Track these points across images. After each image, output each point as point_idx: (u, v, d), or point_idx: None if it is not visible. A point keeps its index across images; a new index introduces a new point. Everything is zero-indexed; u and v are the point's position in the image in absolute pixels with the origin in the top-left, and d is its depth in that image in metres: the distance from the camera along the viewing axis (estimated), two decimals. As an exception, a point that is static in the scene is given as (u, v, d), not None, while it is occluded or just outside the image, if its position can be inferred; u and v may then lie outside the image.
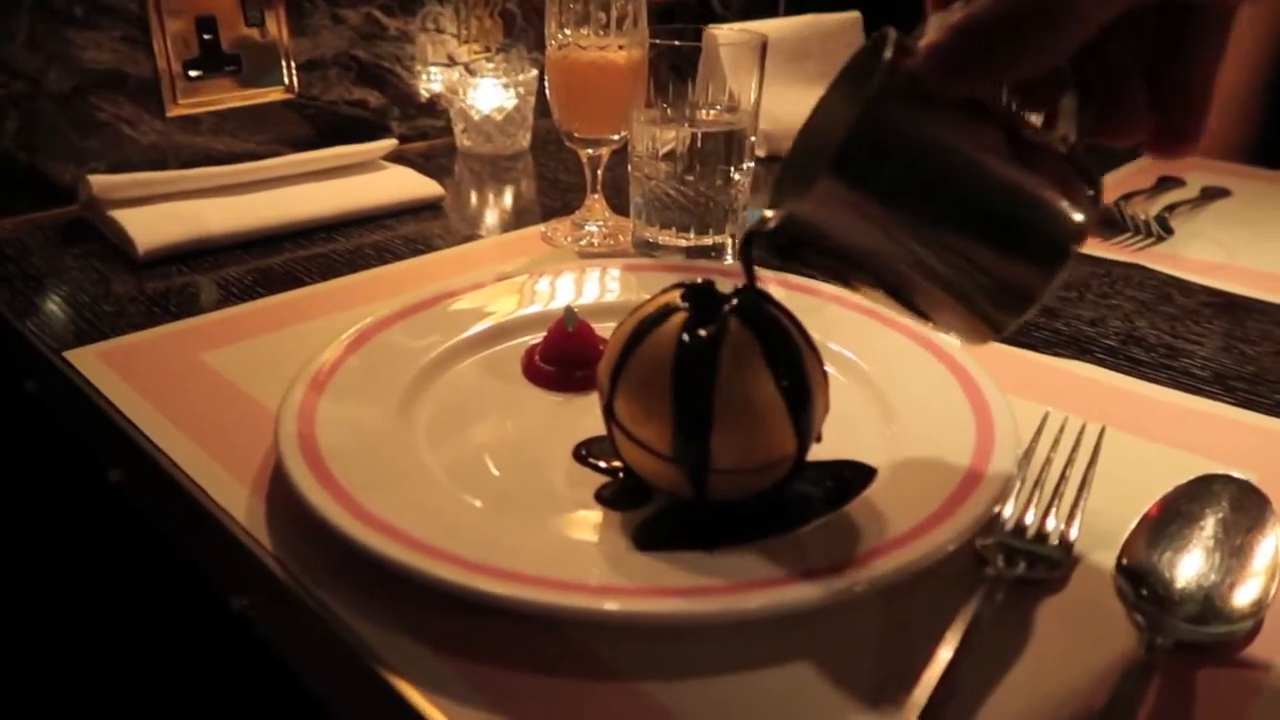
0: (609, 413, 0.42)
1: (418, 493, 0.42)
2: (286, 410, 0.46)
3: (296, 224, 0.77)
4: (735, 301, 0.41)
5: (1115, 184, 0.94)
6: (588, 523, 0.42)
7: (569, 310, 0.54)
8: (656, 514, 0.42)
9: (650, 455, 0.40)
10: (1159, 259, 0.75)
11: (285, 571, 0.40)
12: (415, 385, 0.51)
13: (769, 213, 0.37)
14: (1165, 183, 0.94)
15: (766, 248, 0.37)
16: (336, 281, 0.68)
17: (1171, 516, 0.40)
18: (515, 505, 0.43)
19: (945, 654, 0.34)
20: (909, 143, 0.32)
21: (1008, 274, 0.34)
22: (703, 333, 0.40)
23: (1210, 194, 0.91)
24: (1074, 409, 0.52)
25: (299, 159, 0.84)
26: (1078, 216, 0.34)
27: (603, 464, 0.46)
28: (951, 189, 0.33)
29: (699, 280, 0.43)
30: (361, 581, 0.38)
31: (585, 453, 0.47)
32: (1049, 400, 0.53)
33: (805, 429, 0.40)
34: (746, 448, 0.39)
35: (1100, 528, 0.42)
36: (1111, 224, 0.82)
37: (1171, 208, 0.86)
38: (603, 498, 0.44)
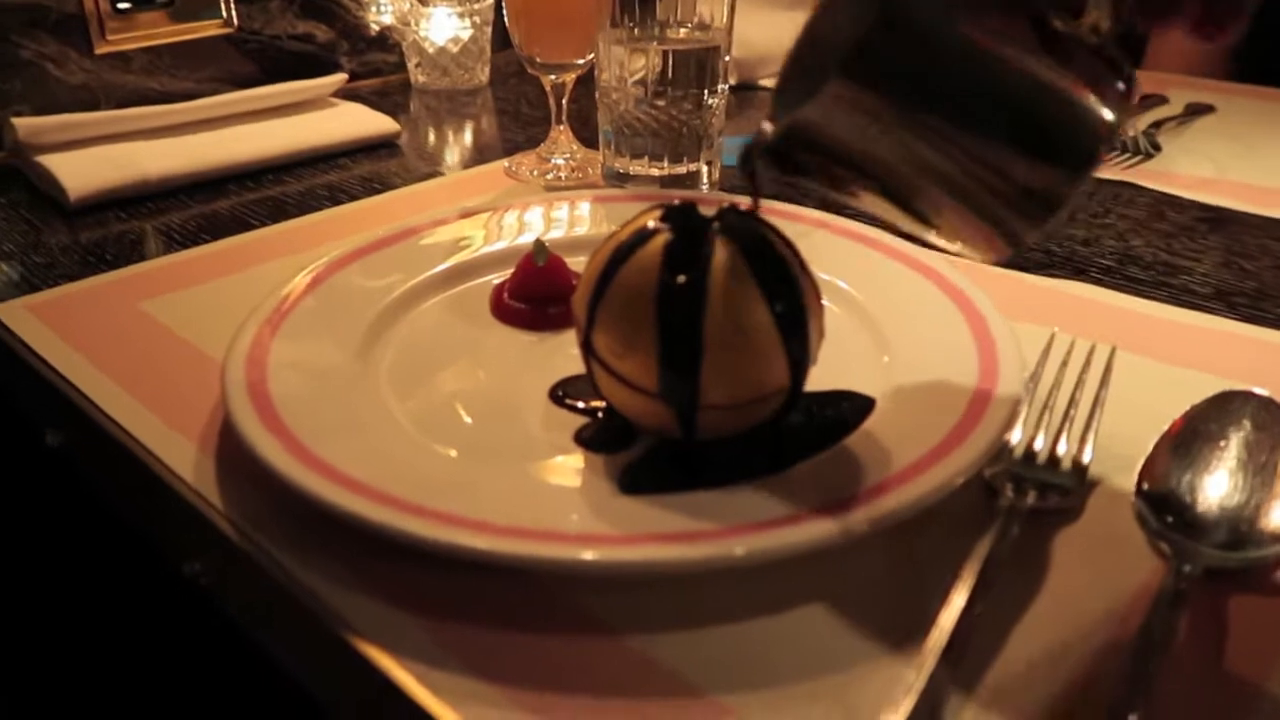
0: (587, 347, 0.38)
1: (381, 442, 0.39)
2: (234, 356, 0.42)
3: (242, 165, 0.72)
4: (721, 221, 0.38)
5: (1098, 103, 0.91)
6: (568, 468, 0.39)
7: (538, 243, 0.50)
8: (641, 455, 0.39)
9: (634, 392, 0.37)
10: (1149, 176, 0.72)
11: (239, 533, 0.36)
12: (376, 327, 0.47)
13: (768, 125, 0.34)
14: (1149, 100, 0.91)
15: (764, 157, 0.34)
16: (287, 224, 0.64)
17: (1191, 437, 0.38)
18: (488, 452, 0.40)
19: (961, 593, 0.32)
20: (928, 36, 0.29)
21: (1031, 178, 0.31)
22: (688, 255, 0.36)
23: (1195, 110, 0.88)
24: (1077, 330, 0.49)
25: (242, 96, 0.79)
26: (1108, 115, 0.31)
27: (581, 404, 0.43)
28: (973, 87, 0.30)
29: (675, 201, 0.39)
30: (322, 540, 0.35)
31: (562, 393, 0.44)
32: (1049, 322, 0.50)
33: (801, 358, 0.37)
34: (739, 380, 0.36)
35: (1115, 451, 0.39)
36: (1098, 142, 0.79)
37: (1158, 124, 0.83)
38: (583, 440, 0.40)
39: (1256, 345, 0.48)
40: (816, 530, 0.33)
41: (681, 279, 0.36)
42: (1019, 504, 0.36)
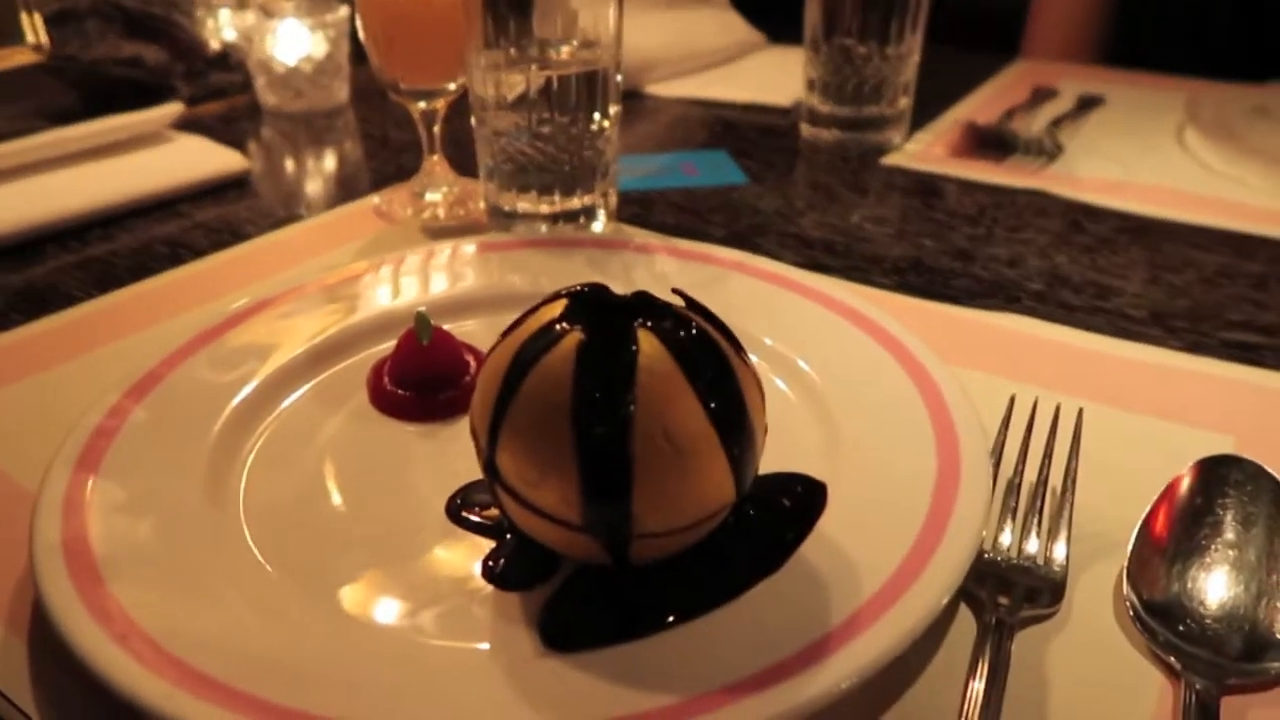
0: (491, 471, 0.31)
1: (240, 616, 0.31)
2: (45, 508, 0.34)
3: (61, 221, 0.62)
4: (642, 311, 0.31)
5: (992, 99, 0.88)
6: (476, 621, 0.32)
7: (420, 318, 0.43)
8: (565, 595, 0.32)
9: (552, 524, 0.31)
10: (1058, 181, 0.70)
11: (60, 751, 0.28)
12: (229, 439, 0.39)
13: None
14: (1040, 94, 0.89)
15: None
16: (119, 294, 0.55)
17: (1179, 525, 0.34)
18: (377, 609, 0.32)
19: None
20: None
21: None
22: (606, 358, 0.30)
23: (1087, 103, 0.87)
24: (1023, 375, 0.45)
25: (59, 136, 0.68)
26: None
27: (485, 521, 0.36)
28: None
29: (581, 287, 0.33)
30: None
31: (460, 503, 0.37)
32: (992, 366, 0.46)
33: (747, 468, 0.31)
34: (678, 503, 0.30)
35: (1093, 530, 0.35)
36: (1002, 144, 0.76)
37: (1057, 121, 0.81)
38: (493, 574, 0.34)
39: (1211, 383, 0.45)
40: (791, 695, 0.27)
41: (602, 389, 0.29)
42: (1007, 616, 0.31)
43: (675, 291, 0.33)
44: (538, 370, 0.30)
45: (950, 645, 0.32)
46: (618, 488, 0.29)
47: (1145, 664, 0.31)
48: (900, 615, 0.30)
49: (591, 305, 0.32)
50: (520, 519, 0.32)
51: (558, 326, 0.31)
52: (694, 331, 0.31)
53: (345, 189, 0.71)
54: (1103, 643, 0.32)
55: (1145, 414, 0.43)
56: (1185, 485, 0.35)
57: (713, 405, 0.30)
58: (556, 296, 0.32)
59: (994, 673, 0.30)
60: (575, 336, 0.30)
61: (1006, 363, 0.46)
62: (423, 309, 0.44)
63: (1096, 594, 0.33)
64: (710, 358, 0.31)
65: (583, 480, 0.29)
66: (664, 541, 0.31)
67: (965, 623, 0.32)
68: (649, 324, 0.30)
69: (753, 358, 0.39)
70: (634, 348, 0.30)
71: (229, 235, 0.62)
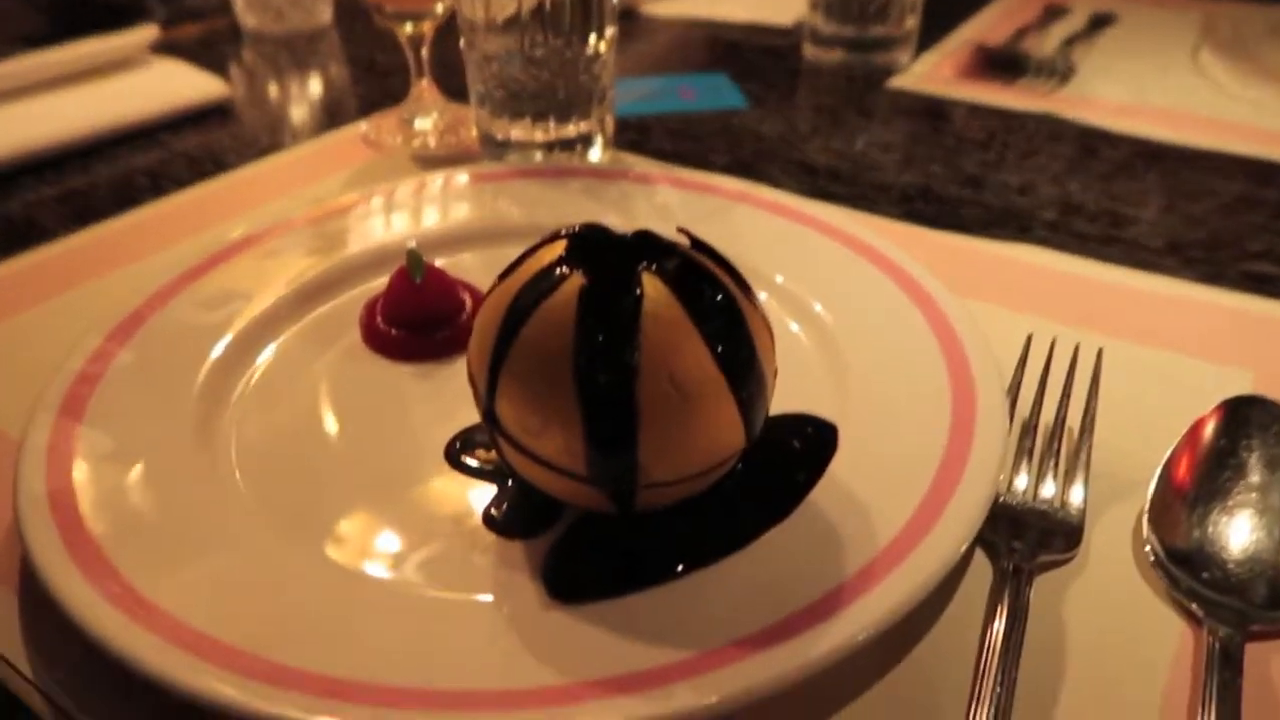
0: (491, 419, 0.30)
1: (234, 567, 0.30)
2: (29, 459, 0.32)
3: (35, 152, 0.59)
4: (646, 250, 0.30)
5: (1001, 18, 0.85)
6: (478, 571, 0.31)
7: (413, 255, 0.41)
8: (568, 544, 0.32)
9: (556, 474, 0.30)
10: (1070, 104, 0.67)
11: (55, 710, 0.28)
12: (217, 381, 0.38)
13: None
14: (1051, 12, 0.86)
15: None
16: (98, 229, 0.52)
17: (1202, 469, 0.33)
18: (376, 560, 0.31)
19: (987, 690, 0.26)
20: None
21: None
22: (609, 303, 0.28)
23: (1099, 21, 0.84)
24: (1036, 307, 0.44)
25: (30, 62, 0.65)
26: None
27: (485, 465, 0.35)
28: None
29: (579, 227, 0.31)
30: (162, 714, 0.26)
31: (460, 447, 0.36)
32: (1004, 300, 0.44)
33: (757, 414, 0.30)
34: (686, 451, 0.29)
35: (1111, 470, 0.34)
36: (1014, 65, 0.74)
37: (1069, 41, 0.78)
38: (494, 522, 0.33)
39: (1229, 315, 0.44)
40: (804, 650, 0.26)
41: (606, 337, 0.28)
42: (1023, 562, 0.31)
43: (680, 230, 0.31)
44: (538, 316, 0.29)
45: (965, 591, 0.31)
46: (623, 437, 0.28)
47: (1166, 610, 0.30)
48: (916, 566, 0.29)
49: (593, 247, 0.30)
50: (522, 467, 0.31)
51: (558, 270, 0.29)
52: (700, 273, 0.30)
53: (331, 115, 0.68)
54: (1122, 589, 0.31)
55: (1162, 348, 0.41)
56: (1209, 428, 0.33)
57: (720, 350, 0.29)
58: (555, 237, 0.31)
59: (1012, 620, 0.29)
60: (576, 281, 0.28)
61: (1019, 296, 0.45)
62: (414, 246, 0.42)
63: (1115, 538, 0.32)
64: (717, 300, 0.29)
65: (586, 430, 0.28)
66: (672, 490, 0.30)
67: (980, 568, 0.32)
68: (653, 267, 0.29)
69: (761, 295, 0.37)
70: (638, 292, 0.28)
71: (211, 165, 0.60)
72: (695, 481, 0.30)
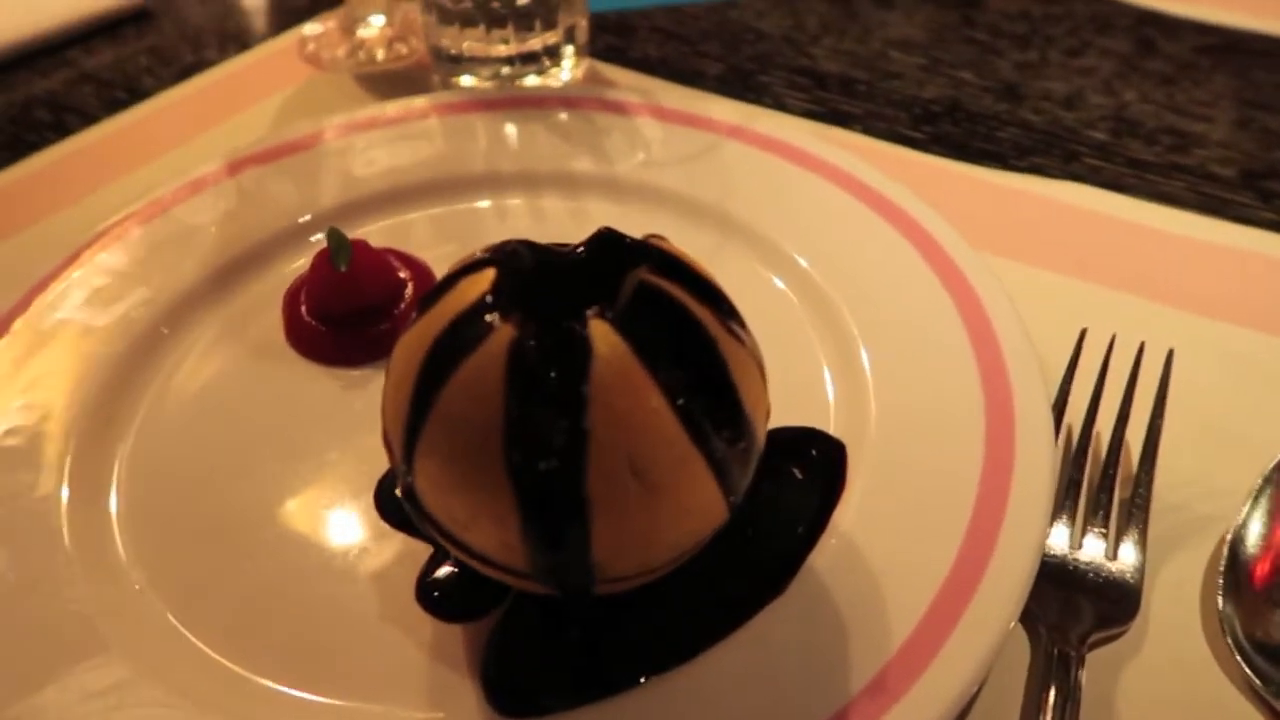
0: (410, 500, 0.24)
1: (119, 660, 0.25)
2: None
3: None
4: (592, 279, 0.23)
5: None
6: (406, 664, 0.26)
7: (334, 236, 0.34)
8: (513, 634, 0.26)
9: (492, 569, 0.24)
10: (1125, -18, 0.57)
11: None
12: (107, 401, 0.32)
13: None
14: None
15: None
16: (-12, 181, 0.45)
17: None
18: (272, 656, 0.26)
19: None
20: None
21: None
22: (549, 362, 0.22)
23: None
24: (1080, 272, 0.37)
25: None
26: None
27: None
28: None
29: (512, 248, 0.24)
30: None
31: (391, 490, 0.30)
32: (1039, 256, 0.37)
33: (740, 481, 0.24)
34: (650, 544, 0.23)
35: (1182, 510, 0.28)
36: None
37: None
38: (429, 601, 0.27)
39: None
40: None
41: (543, 409, 0.21)
42: (1075, 649, 0.25)
43: (650, 239, 0.24)
44: (459, 379, 0.22)
45: (998, 676, 0.25)
46: (571, 536, 0.22)
47: (1245, 704, 0.25)
48: (945, 672, 0.23)
49: (528, 278, 0.23)
50: (454, 553, 0.25)
51: (484, 316, 0.22)
52: (665, 310, 0.23)
53: (264, 21, 0.59)
54: (1189, 671, 0.25)
55: (1235, 323, 0.35)
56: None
57: (694, 415, 0.22)
58: (480, 262, 0.24)
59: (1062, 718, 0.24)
60: (506, 332, 0.22)
61: (1065, 254, 0.38)
62: (335, 226, 0.35)
63: (1179, 602, 0.27)
64: (690, 347, 0.23)
65: (524, 527, 0.22)
66: (636, 581, 0.24)
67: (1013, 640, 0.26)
68: (606, 312, 0.22)
69: (748, 264, 0.31)
70: (586, 347, 0.21)
71: (123, 91, 0.52)
72: (666, 568, 0.24)
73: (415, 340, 0.23)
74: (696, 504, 0.23)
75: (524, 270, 0.24)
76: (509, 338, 0.22)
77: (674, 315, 0.23)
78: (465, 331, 0.22)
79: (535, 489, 0.22)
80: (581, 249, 0.25)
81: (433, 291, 0.24)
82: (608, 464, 0.21)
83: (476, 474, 0.22)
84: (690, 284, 0.24)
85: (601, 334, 0.22)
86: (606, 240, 0.25)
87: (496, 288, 0.23)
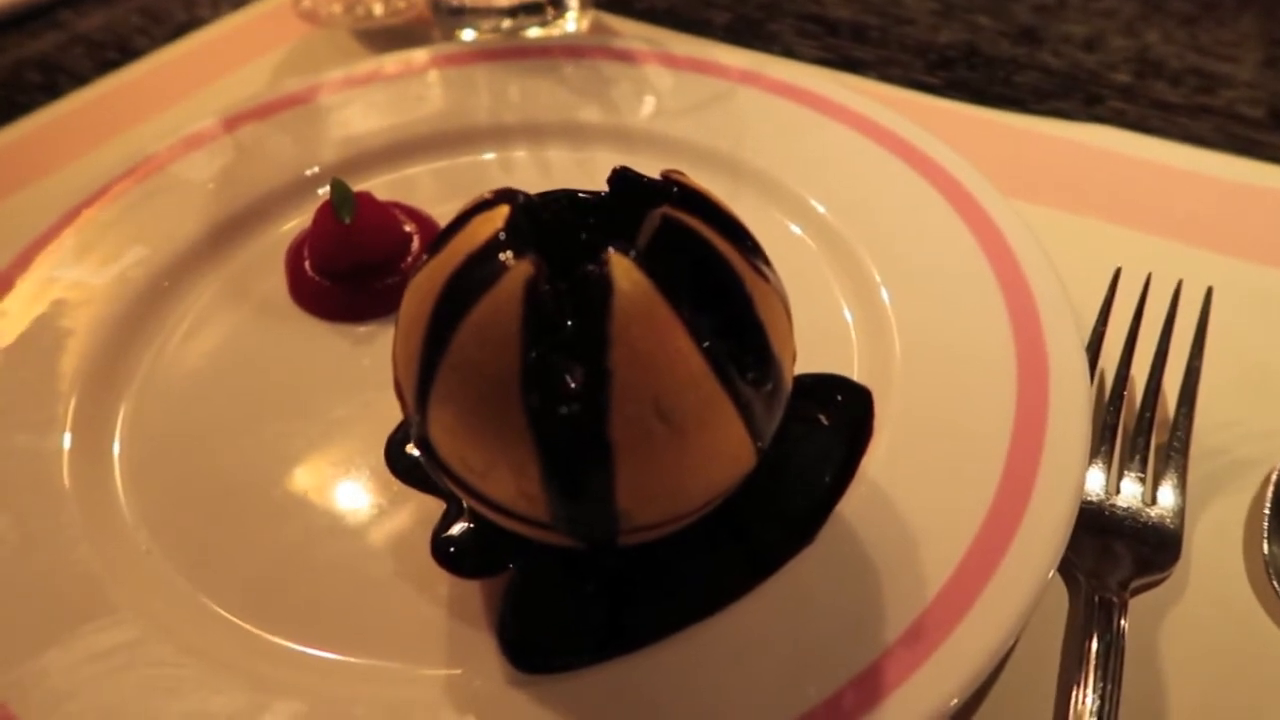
0: (425, 449, 0.23)
1: (114, 631, 0.24)
2: None
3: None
4: (613, 218, 0.22)
5: None
6: (424, 623, 0.25)
7: (338, 187, 0.33)
8: (531, 590, 0.25)
9: (510, 519, 0.23)
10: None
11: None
12: (108, 363, 0.31)
13: None
14: None
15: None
16: (-23, 146, 0.44)
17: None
18: (285, 612, 0.25)
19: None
20: None
21: None
22: (568, 300, 0.21)
23: None
24: (1108, 214, 0.35)
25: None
26: None
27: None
28: None
29: (526, 198, 0.23)
30: None
31: (403, 443, 0.29)
32: (1063, 200, 0.36)
33: (768, 424, 0.23)
34: (677, 490, 0.22)
35: (1221, 454, 0.27)
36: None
37: None
38: (444, 556, 0.26)
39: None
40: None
41: (564, 352, 0.20)
42: (1116, 596, 0.24)
43: (667, 175, 0.23)
44: (472, 321, 0.21)
45: (1035, 621, 0.25)
46: (595, 483, 0.21)
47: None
48: (984, 621, 0.22)
49: (544, 215, 0.22)
50: (472, 505, 0.24)
51: (498, 254, 0.21)
52: (689, 245, 0.22)
53: (259, -23, 0.57)
54: (1234, 616, 0.25)
55: (1270, 264, 0.33)
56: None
57: (721, 354, 0.21)
58: (492, 200, 0.23)
59: (1105, 667, 0.23)
60: (522, 269, 0.21)
61: (1090, 197, 0.36)
62: (339, 178, 0.34)
63: (1222, 545, 0.26)
64: (717, 285, 0.22)
65: (545, 474, 0.21)
66: (661, 530, 0.23)
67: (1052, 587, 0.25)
68: (628, 247, 0.21)
69: (767, 212, 0.30)
70: (608, 284, 0.20)
71: (115, 51, 0.50)
72: (693, 516, 0.23)
73: (426, 282, 0.22)
74: (724, 448, 0.22)
75: (539, 208, 0.22)
76: (525, 275, 0.21)
77: (700, 252, 0.22)
78: (479, 271, 0.21)
79: (555, 434, 0.21)
80: (596, 194, 0.23)
81: (443, 233, 0.23)
82: (632, 407, 0.20)
83: (493, 420, 0.21)
84: (714, 220, 0.23)
85: (624, 270, 0.20)
86: (625, 179, 0.23)
87: (510, 225, 0.22)
